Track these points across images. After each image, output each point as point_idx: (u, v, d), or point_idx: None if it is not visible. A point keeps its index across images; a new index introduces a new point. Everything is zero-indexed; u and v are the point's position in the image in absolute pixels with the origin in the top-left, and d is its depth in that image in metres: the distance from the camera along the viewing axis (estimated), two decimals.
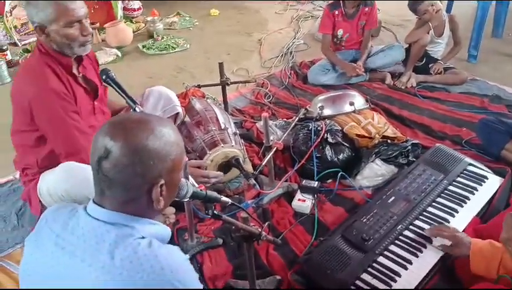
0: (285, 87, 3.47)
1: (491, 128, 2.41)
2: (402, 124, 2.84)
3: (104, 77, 1.91)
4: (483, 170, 2.21)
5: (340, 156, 2.35)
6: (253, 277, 1.63)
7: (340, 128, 2.50)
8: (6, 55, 4.01)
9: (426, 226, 1.85)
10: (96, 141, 0.96)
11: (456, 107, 3.01)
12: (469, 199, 2.00)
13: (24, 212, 2.26)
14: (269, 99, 3.28)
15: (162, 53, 4.33)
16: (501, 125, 2.38)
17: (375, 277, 1.66)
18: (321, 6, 5.14)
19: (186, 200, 1.23)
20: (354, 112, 2.68)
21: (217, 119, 2.43)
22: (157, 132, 0.96)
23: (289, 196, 2.26)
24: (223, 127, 2.37)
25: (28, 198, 2.00)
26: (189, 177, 1.76)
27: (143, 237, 0.96)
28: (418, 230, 1.83)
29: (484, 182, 2.11)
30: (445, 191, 2.05)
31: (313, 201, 2.17)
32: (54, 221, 1.01)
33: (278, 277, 1.78)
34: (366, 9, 3.37)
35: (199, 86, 2.96)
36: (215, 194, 1.32)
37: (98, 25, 4.60)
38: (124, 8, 4.94)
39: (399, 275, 1.65)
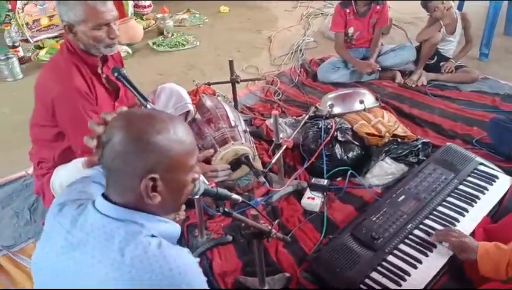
0: (295, 85, 3.46)
1: (502, 127, 2.39)
2: (412, 123, 2.83)
3: (116, 74, 1.91)
4: (494, 169, 2.20)
5: (350, 155, 2.35)
6: (263, 274, 1.65)
7: (350, 126, 2.49)
8: (19, 51, 4.03)
9: (436, 226, 1.85)
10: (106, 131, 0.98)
11: (467, 106, 2.99)
12: (479, 199, 2.00)
13: (36, 208, 2.29)
14: (279, 97, 3.28)
15: (172, 50, 4.33)
16: None
17: (384, 275, 1.66)
18: (331, 4, 5.11)
19: (197, 197, 1.23)
20: (364, 110, 2.67)
21: (227, 117, 2.44)
22: (159, 127, 0.95)
23: (298, 193, 2.26)
24: (233, 125, 2.38)
25: (42, 192, 2.03)
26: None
27: (152, 236, 0.95)
28: (428, 229, 1.83)
29: (495, 181, 2.10)
30: (456, 191, 2.05)
31: (323, 199, 2.17)
32: (63, 216, 1.01)
33: (287, 275, 1.79)
34: (378, 7, 3.35)
35: (209, 84, 2.97)
36: (226, 191, 1.32)
37: None
38: (135, 5, 4.96)
39: (409, 274, 1.65)
